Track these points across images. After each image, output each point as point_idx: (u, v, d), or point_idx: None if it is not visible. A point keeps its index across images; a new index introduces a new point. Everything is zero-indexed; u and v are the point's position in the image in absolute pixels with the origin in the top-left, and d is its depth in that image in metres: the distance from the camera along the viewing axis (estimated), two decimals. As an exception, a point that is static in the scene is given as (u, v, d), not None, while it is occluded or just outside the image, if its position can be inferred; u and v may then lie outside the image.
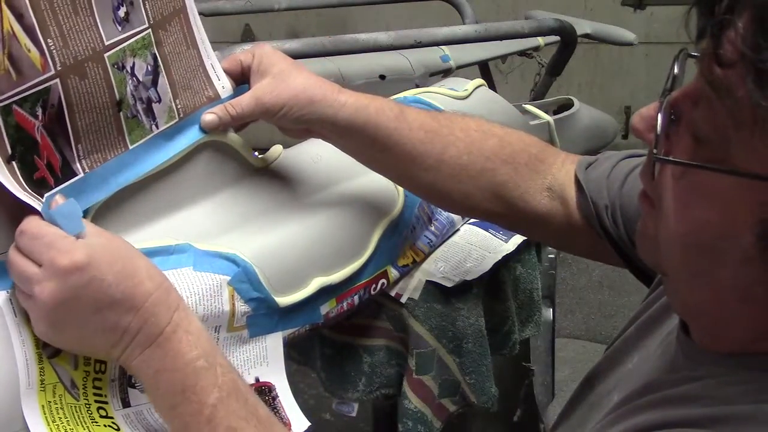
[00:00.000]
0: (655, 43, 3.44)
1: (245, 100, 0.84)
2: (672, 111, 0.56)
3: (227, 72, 0.86)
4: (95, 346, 0.67)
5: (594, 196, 0.85)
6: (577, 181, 0.86)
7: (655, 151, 0.55)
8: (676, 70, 0.57)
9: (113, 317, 0.65)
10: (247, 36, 3.78)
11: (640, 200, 0.62)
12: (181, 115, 0.82)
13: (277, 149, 0.94)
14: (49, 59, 0.66)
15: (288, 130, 0.89)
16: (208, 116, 0.84)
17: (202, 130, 0.84)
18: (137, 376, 0.69)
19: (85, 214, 0.72)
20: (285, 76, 0.84)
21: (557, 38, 1.63)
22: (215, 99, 0.85)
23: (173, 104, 0.81)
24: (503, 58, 2.06)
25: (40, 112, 0.66)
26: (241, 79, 0.88)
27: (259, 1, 2.12)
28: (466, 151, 0.88)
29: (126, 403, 0.71)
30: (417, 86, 1.48)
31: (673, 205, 0.56)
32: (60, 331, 0.65)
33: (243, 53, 0.87)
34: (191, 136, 0.83)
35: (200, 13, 2.41)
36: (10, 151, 0.64)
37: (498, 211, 0.90)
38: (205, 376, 0.66)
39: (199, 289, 0.77)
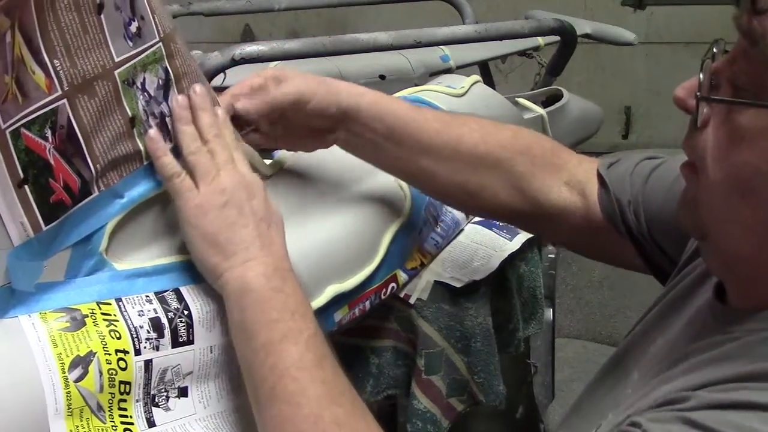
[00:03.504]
0: (655, 43, 3.44)
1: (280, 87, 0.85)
2: (712, 78, 0.60)
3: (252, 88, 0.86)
4: (235, 236, 0.73)
5: (617, 192, 0.86)
6: (600, 178, 0.88)
7: (698, 94, 0.59)
8: (715, 50, 0.61)
9: (260, 230, 0.74)
10: (247, 36, 3.77)
11: (682, 171, 0.65)
12: None
13: (285, 154, 0.94)
14: (56, 80, 0.64)
15: (303, 134, 0.88)
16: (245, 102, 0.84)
17: None
18: (243, 286, 0.72)
19: (101, 232, 0.71)
20: (303, 73, 0.87)
21: (557, 38, 1.63)
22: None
23: None
24: (503, 58, 2.05)
25: (49, 133, 0.65)
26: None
27: (259, 1, 2.12)
28: (482, 140, 0.89)
29: (151, 423, 0.71)
30: (416, 86, 1.48)
31: (714, 154, 0.60)
32: (211, 218, 0.73)
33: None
34: None
35: (200, 13, 2.36)
36: (21, 174, 0.63)
37: (516, 204, 0.90)
38: (311, 312, 0.74)
39: (216, 305, 0.76)
